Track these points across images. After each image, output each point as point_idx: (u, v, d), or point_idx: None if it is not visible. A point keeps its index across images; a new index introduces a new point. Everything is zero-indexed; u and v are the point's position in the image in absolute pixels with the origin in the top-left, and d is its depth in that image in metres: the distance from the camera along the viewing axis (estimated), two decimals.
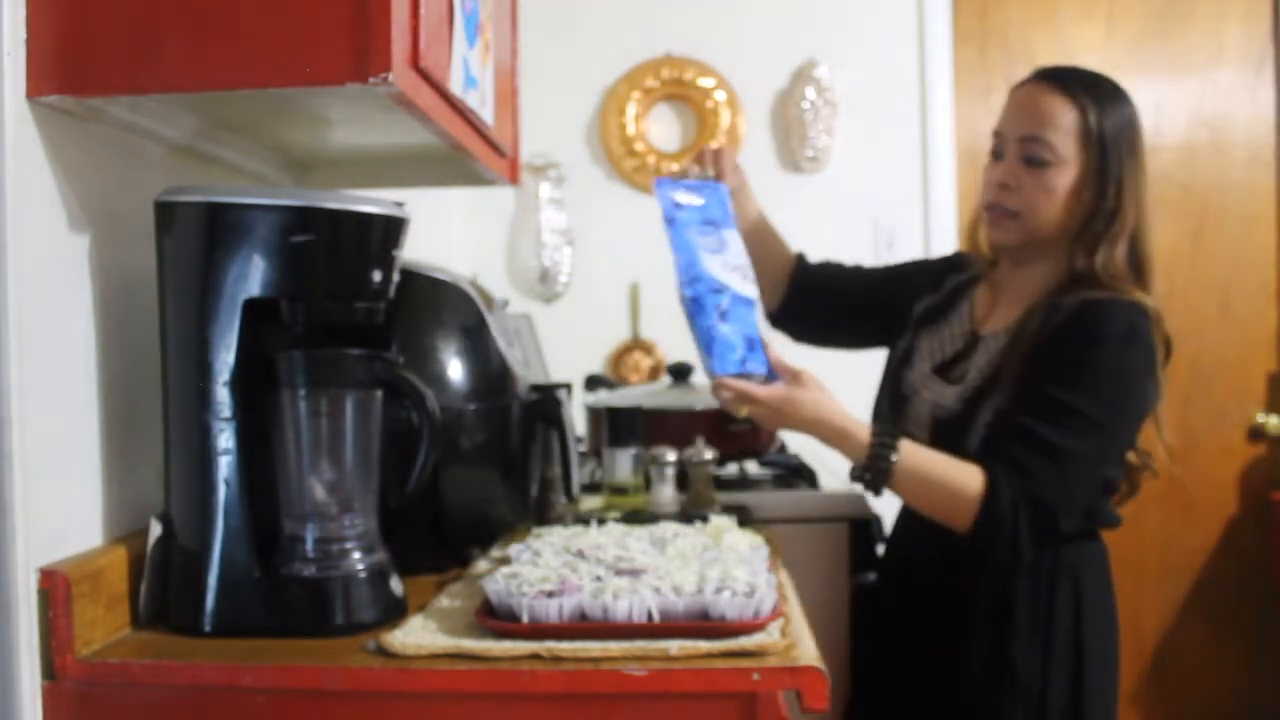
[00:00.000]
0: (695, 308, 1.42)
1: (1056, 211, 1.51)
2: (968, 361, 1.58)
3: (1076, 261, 1.50)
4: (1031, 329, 1.49)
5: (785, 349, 1.54)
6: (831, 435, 1.45)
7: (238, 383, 1.08)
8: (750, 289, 1.47)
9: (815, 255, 1.87)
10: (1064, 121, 1.50)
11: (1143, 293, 1.49)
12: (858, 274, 1.85)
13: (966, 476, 1.42)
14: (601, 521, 1.42)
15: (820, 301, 1.81)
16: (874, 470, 1.43)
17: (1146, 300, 1.48)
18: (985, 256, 1.68)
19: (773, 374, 1.44)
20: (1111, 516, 1.56)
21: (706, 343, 1.41)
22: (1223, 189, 3.17)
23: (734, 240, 1.51)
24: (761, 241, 1.76)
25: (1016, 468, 1.41)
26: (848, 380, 1.70)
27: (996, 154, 1.57)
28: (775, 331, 1.85)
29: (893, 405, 1.64)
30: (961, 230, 2.94)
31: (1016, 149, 1.53)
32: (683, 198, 1.50)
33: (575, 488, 1.57)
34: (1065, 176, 1.50)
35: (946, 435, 1.52)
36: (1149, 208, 1.51)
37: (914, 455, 1.44)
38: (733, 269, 1.47)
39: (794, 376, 1.44)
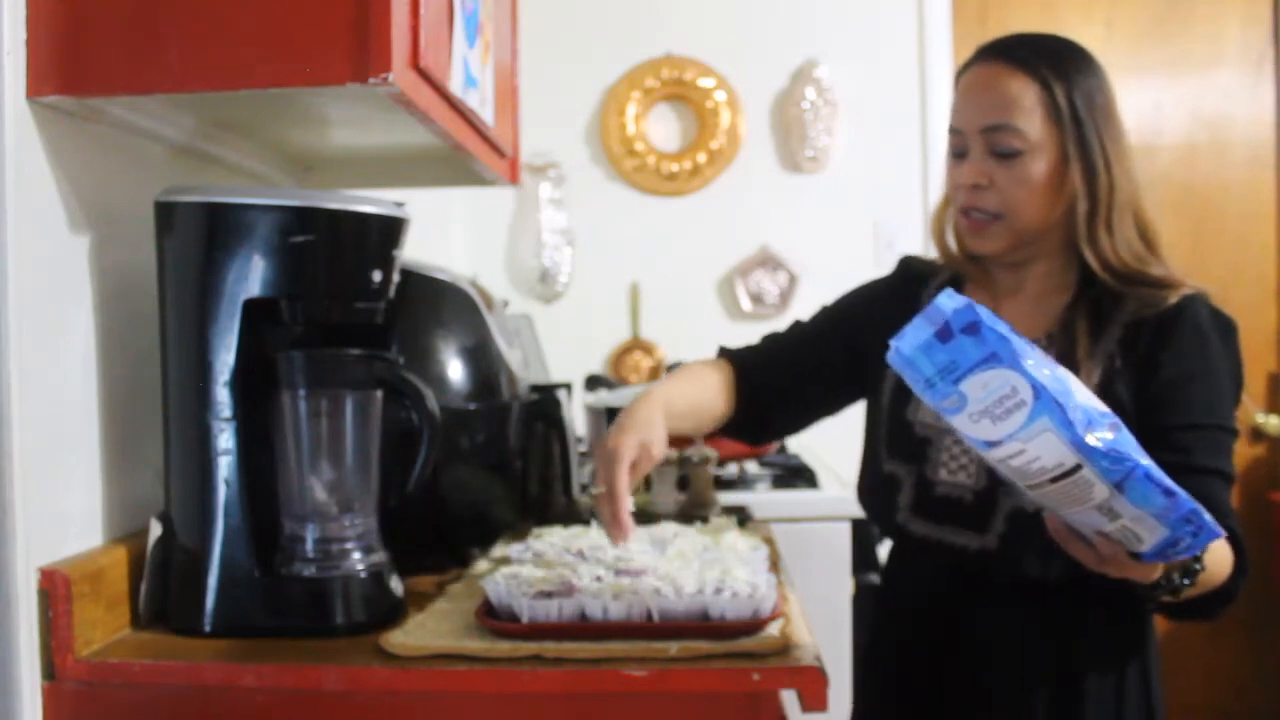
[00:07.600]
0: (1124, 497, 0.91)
1: (1043, 203, 1.33)
2: None
3: (1094, 250, 1.32)
4: (1083, 329, 1.32)
5: None
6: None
7: (238, 383, 1.08)
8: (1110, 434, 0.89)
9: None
10: (1027, 101, 1.32)
11: (1166, 270, 1.33)
12: (802, 337, 1.56)
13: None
14: None
15: (777, 390, 1.51)
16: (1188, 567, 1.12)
17: (1199, 288, 1.35)
18: (957, 259, 1.48)
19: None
20: None
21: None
22: (1222, 189, 3.17)
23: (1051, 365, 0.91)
24: (694, 411, 1.42)
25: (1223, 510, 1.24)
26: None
27: (957, 153, 1.38)
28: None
29: (908, 457, 1.41)
30: None
31: (981, 144, 1.34)
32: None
33: (575, 488, 1.57)
34: (1042, 162, 1.31)
35: None
36: (1140, 175, 1.35)
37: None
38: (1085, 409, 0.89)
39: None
